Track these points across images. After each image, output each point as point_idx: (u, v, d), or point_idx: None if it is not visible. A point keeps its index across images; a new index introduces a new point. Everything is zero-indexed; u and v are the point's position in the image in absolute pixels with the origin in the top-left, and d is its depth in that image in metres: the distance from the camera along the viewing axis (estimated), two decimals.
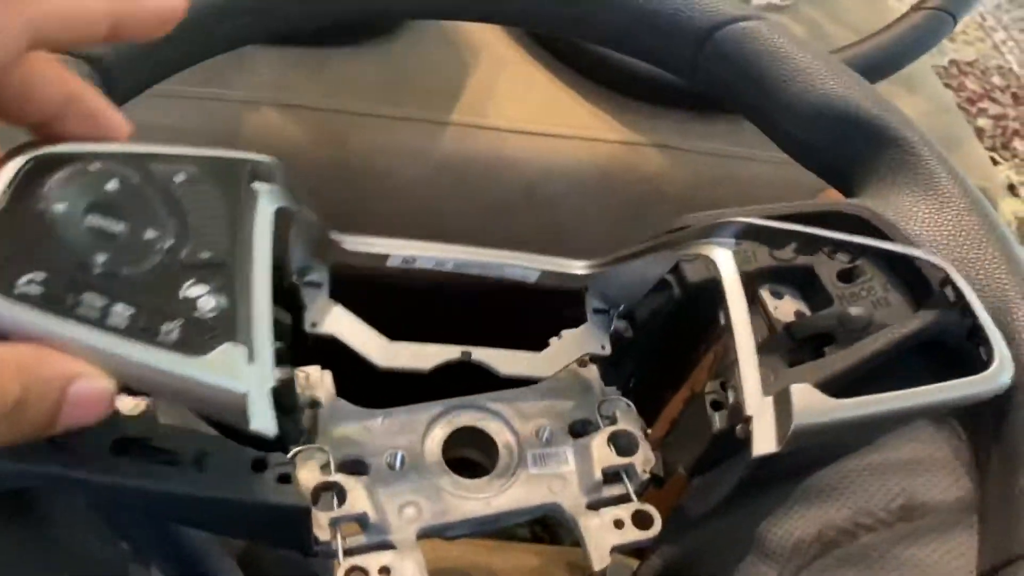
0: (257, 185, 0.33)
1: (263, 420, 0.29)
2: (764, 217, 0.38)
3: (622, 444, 0.42)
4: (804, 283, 0.41)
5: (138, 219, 0.30)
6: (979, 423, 0.37)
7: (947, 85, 1.88)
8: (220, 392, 0.28)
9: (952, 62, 1.96)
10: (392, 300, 0.42)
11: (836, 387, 0.35)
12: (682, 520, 0.42)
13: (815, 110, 0.43)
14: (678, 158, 0.73)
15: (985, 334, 0.34)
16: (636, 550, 0.45)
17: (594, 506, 0.40)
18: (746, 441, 0.35)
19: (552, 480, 0.41)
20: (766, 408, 0.34)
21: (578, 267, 0.43)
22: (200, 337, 0.28)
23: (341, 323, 0.41)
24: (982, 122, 1.82)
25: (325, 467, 0.38)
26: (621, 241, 0.43)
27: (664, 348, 0.44)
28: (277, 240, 0.34)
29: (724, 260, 0.38)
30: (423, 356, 0.42)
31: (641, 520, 0.40)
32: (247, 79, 0.68)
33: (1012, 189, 1.69)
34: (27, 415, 0.25)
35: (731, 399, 0.36)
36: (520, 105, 0.72)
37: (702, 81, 0.46)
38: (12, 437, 0.25)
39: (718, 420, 0.37)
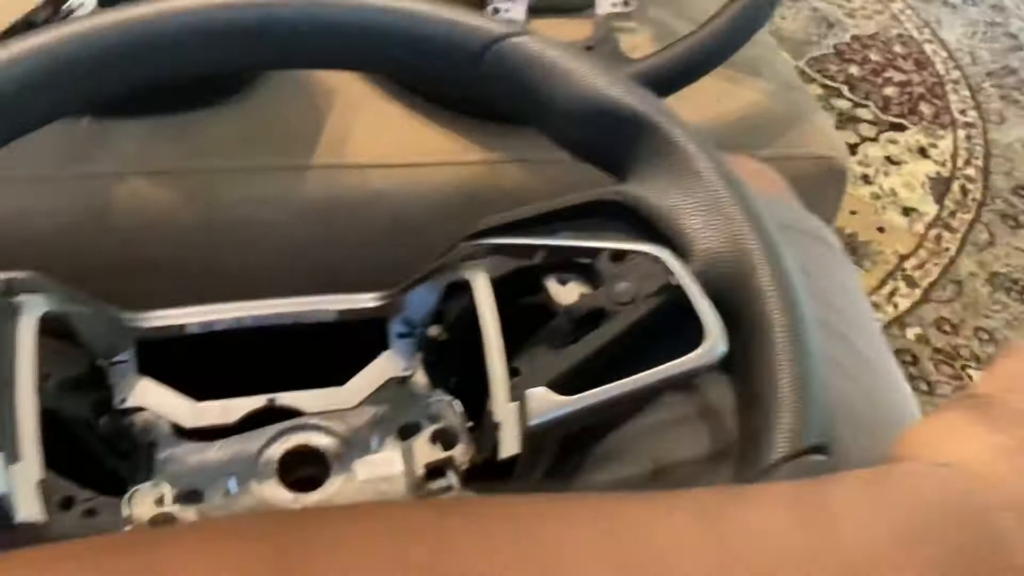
0: (20, 298, 0.37)
1: (29, 511, 0.33)
2: (526, 219, 0.42)
3: (445, 439, 0.45)
4: (587, 268, 0.45)
5: None
6: (735, 376, 0.40)
7: (851, 60, 1.94)
8: None
9: (854, 37, 2.01)
10: (200, 360, 0.45)
11: (586, 375, 0.39)
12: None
13: (580, 110, 0.46)
14: (536, 170, 0.77)
15: (697, 314, 0.38)
16: None
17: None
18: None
19: (379, 483, 0.44)
20: (510, 413, 0.39)
21: (372, 299, 0.47)
22: None
23: (147, 395, 0.44)
24: (889, 91, 1.87)
25: (160, 501, 0.41)
26: None
27: (477, 343, 0.48)
28: (69, 335, 0.39)
29: (480, 285, 0.42)
30: (229, 410, 0.45)
31: None
32: (112, 153, 0.72)
33: (923, 152, 1.74)
34: None
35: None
36: (379, 140, 0.76)
37: (486, 97, 0.50)
38: None
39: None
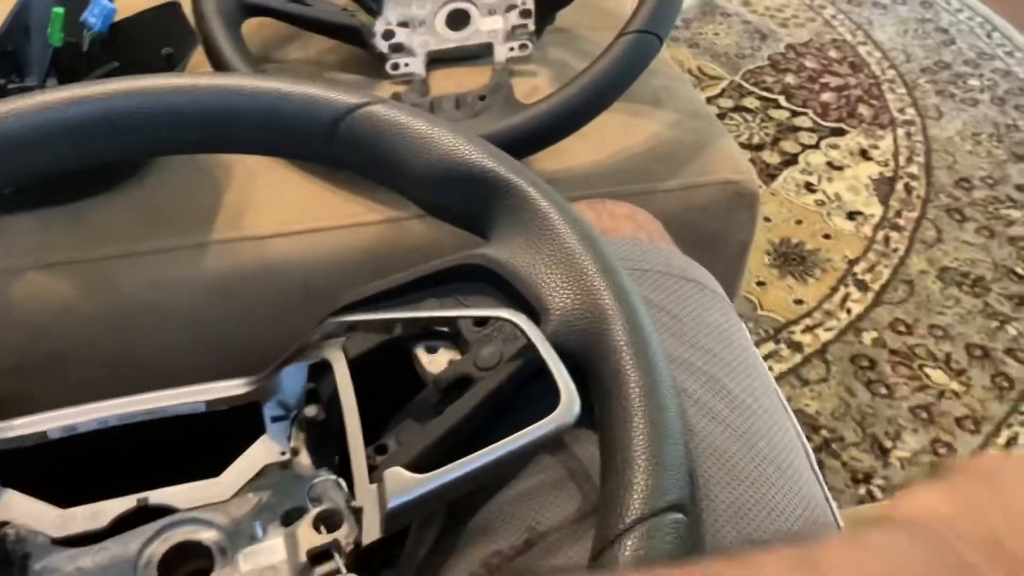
0: None
1: None
2: (387, 291, 0.42)
3: (330, 522, 0.44)
4: (454, 334, 0.44)
5: None
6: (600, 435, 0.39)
7: (786, 69, 1.95)
8: None
9: (788, 47, 2.03)
10: (73, 463, 0.44)
11: (451, 447, 0.38)
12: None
13: (435, 174, 0.46)
14: (440, 224, 0.76)
15: (553, 377, 0.37)
16: None
17: None
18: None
19: (264, 572, 0.43)
20: (370, 496, 0.37)
21: (240, 386, 0.45)
22: None
23: (10, 508, 0.43)
24: (826, 96, 1.89)
25: None
26: None
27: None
28: None
29: (338, 365, 0.41)
30: (99, 514, 0.44)
31: None
32: (5, 246, 0.71)
33: (864, 154, 1.74)
34: None
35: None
36: (280, 209, 0.75)
37: (345, 166, 0.49)
38: None
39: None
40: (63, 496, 0.44)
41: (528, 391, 0.40)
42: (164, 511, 0.44)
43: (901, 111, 1.85)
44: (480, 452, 0.37)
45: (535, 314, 0.41)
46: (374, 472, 0.41)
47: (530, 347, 0.40)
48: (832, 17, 2.12)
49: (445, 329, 0.43)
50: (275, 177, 0.76)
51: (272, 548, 0.44)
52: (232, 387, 0.46)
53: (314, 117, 0.48)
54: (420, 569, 0.43)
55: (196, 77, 0.48)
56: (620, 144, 0.80)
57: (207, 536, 0.44)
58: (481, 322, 0.43)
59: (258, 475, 0.46)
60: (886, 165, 1.72)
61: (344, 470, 0.47)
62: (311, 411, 0.47)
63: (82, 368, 0.70)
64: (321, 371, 0.46)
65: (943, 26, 2.09)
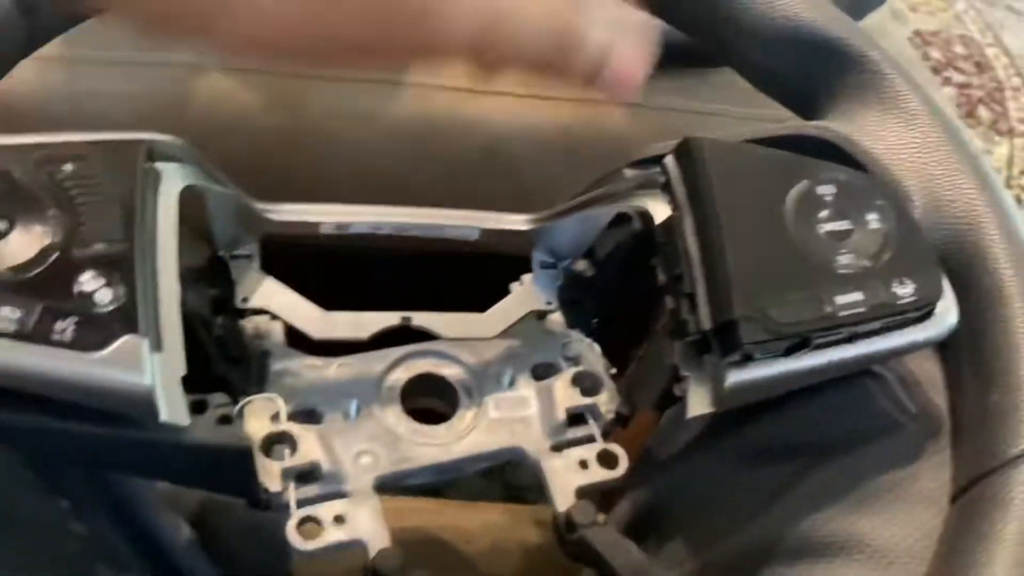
0: (160, 165, 0.32)
1: (174, 411, 0.29)
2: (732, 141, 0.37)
3: (586, 385, 0.41)
4: None
5: (24, 216, 0.29)
6: (955, 348, 0.35)
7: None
8: (123, 386, 0.28)
9: (916, 32, 1.95)
10: (329, 267, 0.41)
11: None
12: (650, 462, 0.40)
13: (776, 34, 0.41)
14: (641, 115, 0.72)
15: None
16: (605, 502, 0.43)
17: (558, 448, 0.39)
18: (680, 399, 0.34)
19: (514, 424, 0.39)
20: (703, 366, 0.34)
21: (520, 222, 0.42)
22: (98, 332, 0.27)
23: (273, 296, 0.40)
24: (947, 91, 1.82)
25: (276, 417, 0.36)
26: None
27: (627, 285, 0.43)
28: (197, 217, 0.34)
29: (661, 213, 0.37)
30: (361, 324, 0.40)
31: (606, 460, 0.38)
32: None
33: None
34: None
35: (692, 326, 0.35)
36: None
37: (671, 18, 0.44)
38: None
39: (677, 351, 0.36)
40: (320, 301, 0.40)
41: None
42: (425, 335, 0.41)
43: (1021, 121, 1.79)
44: (847, 347, 0.33)
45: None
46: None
47: (910, 235, 0.35)
48: (963, 12, 2.05)
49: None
50: None
51: (524, 399, 0.41)
52: (509, 220, 0.42)
53: None
54: (685, 449, 0.39)
55: None
56: None
57: (453, 373, 0.41)
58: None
59: (516, 322, 0.42)
60: (999, 172, 1.67)
61: (601, 335, 0.43)
62: (581, 266, 0.43)
63: (247, 181, 0.66)
64: (609, 225, 0.42)
65: None
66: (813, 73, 0.41)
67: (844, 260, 0.33)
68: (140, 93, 0.64)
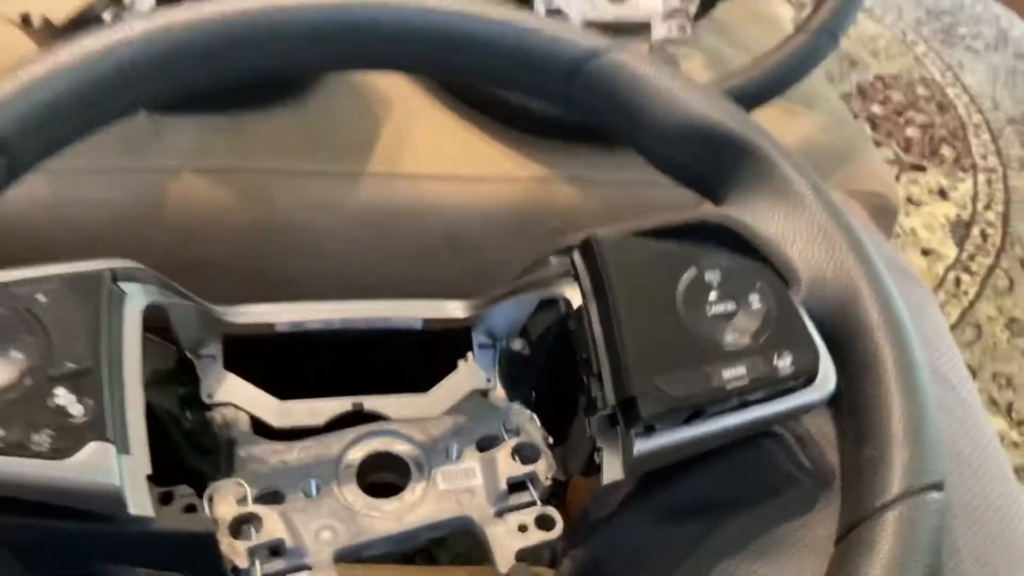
0: (124, 285, 0.36)
1: (141, 504, 0.33)
2: (629, 233, 0.42)
3: (526, 454, 0.44)
4: None
5: (3, 345, 0.33)
6: (841, 408, 0.39)
7: (873, 99, 1.95)
8: (94, 487, 0.32)
9: (877, 77, 2.02)
10: (288, 357, 0.45)
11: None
12: (587, 523, 0.44)
13: (675, 129, 0.46)
14: (589, 189, 0.76)
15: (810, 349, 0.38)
16: (551, 562, 0.47)
17: (501, 514, 0.43)
18: (600, 467, 0.38)
19: (461, 494, 0.43)
20: (613, 437, 0.38)
21: (459, 309, 0.46)
22: (70, 440, 0.32)
23: (234, 391, 0.44)
24: (911, 132, 1.88)
25: (243, 500, 0.40)
26: None
27: (558, 362, 0.47)
28: (164, 324, 0.38)
29: (576, 300, 0.41)
30: (316, 412, 0.44)
31: (544, 523, 0.42)
32: (165, 147, 0.71)
33: (943, 194, 1.74)
34: None
35: (600, 403, 0.39)
36: (434, 151, 0.75)
37: (578, 111, 0.49)
38: None
39: (593, 424, 0.40)
40: (275, 390, 0.44)
41: None
42: (375, 418, 0.45)
43: (984, 157, 1.84)
44: (737, 413, 0.37)
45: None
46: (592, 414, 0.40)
47: (788, 313, 0.39)
48: (923, 55, 2.11)
49: None
50: (434, 119, 0.77)
51: (469, 471, 0.44)
52: (448, 309, 0.46)
53: (557, 59, 0.48)
54: (618, 509, 0.43)
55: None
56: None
57: (404, 449, 0.45)
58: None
59: (461, 398, 0.46)
60: (964, 208, 1.71)
61: (539, 407, 0.47)
62: (517, 345, 0.48)
63: (223, 277, 0.71)
64: (539, 307, 0.46)
65: None
66: (711, 163, 0.46)
67: (730, 338, 0.38)
68: (119, 199, 0.69)
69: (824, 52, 0.74)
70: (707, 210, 0.44)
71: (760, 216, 0.43)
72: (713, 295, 0.39)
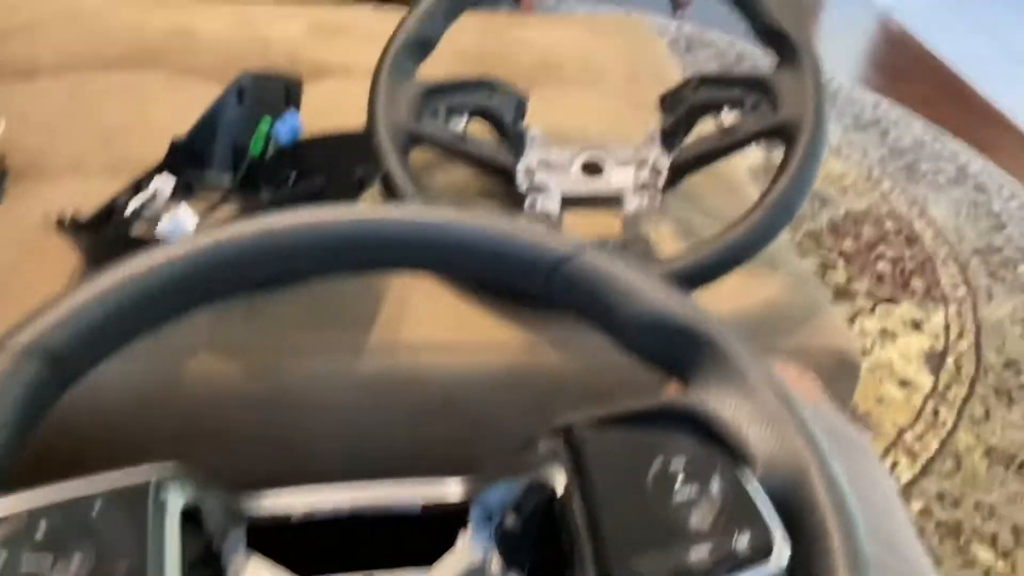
0: (165, 495, 0.42)
1: None
2: (605, 420, 0.48)
3: None
4: None
5: (63, 553, 0.39)
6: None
7: (845, 235, 2.04)
8: None
9: (847, 213, 2.12)
10: (305, 536, 0.50)
11: None
12: None
13: (642, 323, 0.52)
14: (575, 351, 0.83)
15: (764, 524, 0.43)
16: None
17: None
18: None
19: None
20: None
21: (455, 493, 0.51)
22: None
23: (258, 574, 0.49)
24: (882, 266, 1.97)
25: None
26: (529, 430, 0.52)
27: (550, 537, 0.52)
28: (197, 522, 0.44)
29: (561, 484, 0.47)
30: None
31: None
32: (184, 326, 0.77)
33: (916, 325, 1.81)
34: None
35: None
36: (430, 320, 0.82)
37: (557, 305, 0.56)
38: None
39: None
40: (292, 563, 0.50)
41: None
42: None
43: (953, 288, 1.93)
44: None
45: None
46: None
47: (745, 495, 0.45)
48: (889, 191, 2.23)
49: None
50: (429, 290, 0.84)
51: None
52: (448, 491, 0.52)
53: (537, 260, 0.55)
54: None
55: (432, 209, 0.55)
56: (738, 303, 0.87)
57: None
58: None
59: (460, 572, 0.51)
60: (937, 339, 1.78)
61: None
62: (511, 520, 0.53)
63: (236, 446, 0.76)
64: (530, 486, 0.52)
65: (995, 210, 2.19)
66: (674, 352, 0.52)
67: (694, 521, 0.43)
68: (135, 376, 0.75)
69: (780, 225, 0.82)
70: (671, 397, 0.51)
71: (718, 401, 0.49)
72: (679, 481, 0.45)
